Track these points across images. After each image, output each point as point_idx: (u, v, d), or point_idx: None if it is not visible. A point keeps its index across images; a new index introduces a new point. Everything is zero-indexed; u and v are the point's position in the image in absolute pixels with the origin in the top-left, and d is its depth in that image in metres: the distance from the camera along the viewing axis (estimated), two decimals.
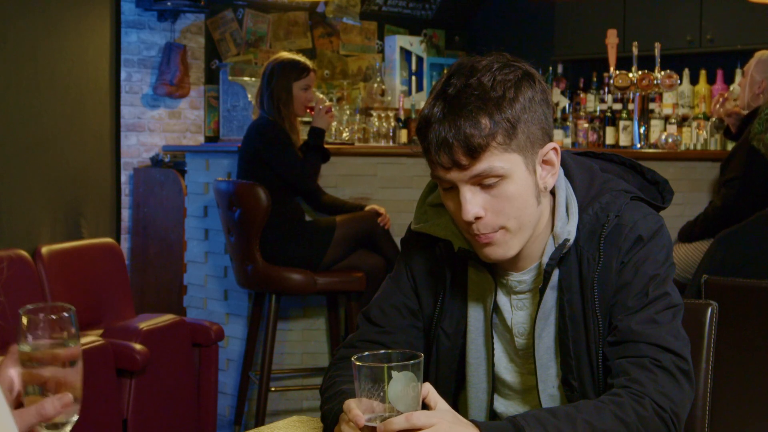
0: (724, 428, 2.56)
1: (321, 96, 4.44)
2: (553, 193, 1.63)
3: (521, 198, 1.53)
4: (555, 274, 1.61)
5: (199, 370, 4.03)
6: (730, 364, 2.53)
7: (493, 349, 1.67)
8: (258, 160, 4.12)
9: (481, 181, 1.51)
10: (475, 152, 1.48)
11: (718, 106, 4.70)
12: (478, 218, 1.52)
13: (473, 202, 1.51)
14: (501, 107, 1.49)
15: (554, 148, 1.58)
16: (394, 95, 6.69)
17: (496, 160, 1.50)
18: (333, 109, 4.32)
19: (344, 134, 5.36)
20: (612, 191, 1.62)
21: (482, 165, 1.49)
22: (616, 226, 1.59)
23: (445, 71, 1.57)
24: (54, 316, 1.21)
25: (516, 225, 1.54)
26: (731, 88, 4.63)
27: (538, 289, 1.62)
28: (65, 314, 1.22)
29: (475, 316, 1.68)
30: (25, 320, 1.21)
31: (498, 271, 1.66)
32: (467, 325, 1.69)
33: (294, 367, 4.45)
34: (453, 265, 1.68)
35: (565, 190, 1.62)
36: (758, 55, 4.41)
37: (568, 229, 1.59)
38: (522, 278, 1.64)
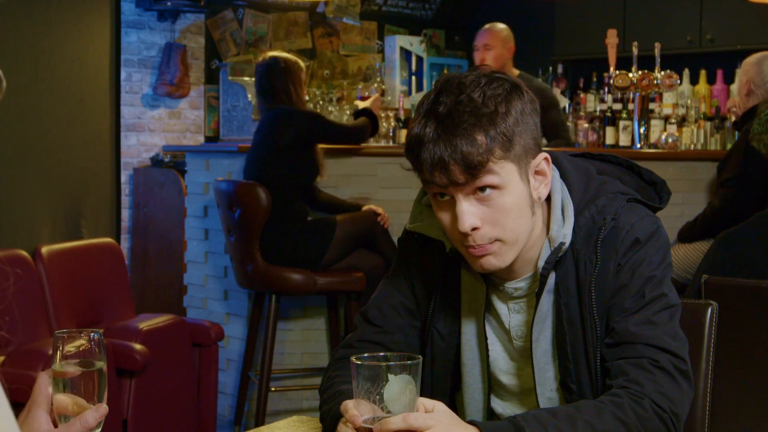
0: (724, 428, 2.56)
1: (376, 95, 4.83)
2: (548, 196, 1.62)
3: (517, 209, 1.53)
4: (551, 278, 1.61)
5: (199, 370, 4.03)
6: (730, 364, 2.53)
7: (487, 349, 1.68)
8: (294, 147, 4.08)
9: (478, 193, 1.51)
10: (474, 169, 1.48)
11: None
12: (474, 229, 1.52)
13: (470, 213, 1.51)
14: (495, 122, 1.49)
15: (545, 158, 1.58)
16: (394, 95, 6.70)
17: (493, 172, 1.49)
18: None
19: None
20: (608, 194, 1.62)
21: (479, 178, 1.49)
22: (613, 228, 1.59)
23: (429, 91, 1.56)
24: (84, 340, 1.40)
25: (511, 237, 1.54)
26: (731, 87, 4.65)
27: (534, 293, 1.62)
28: (94, 335, 1.40)
29: (469, 317, 1.68)
30: (57, 342, 1.40)
31: (493, 280, 1.66)
32: (461, 326, 1.69)
33: (294, 367, 4.45)
34: (446, 265, 1.68)
35: (561, 193, 1.62)
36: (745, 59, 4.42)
37: (564, 232, 1.59)
38: (518, 285, 1.64)
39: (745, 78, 4.32)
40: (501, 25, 5.24)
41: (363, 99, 4.74)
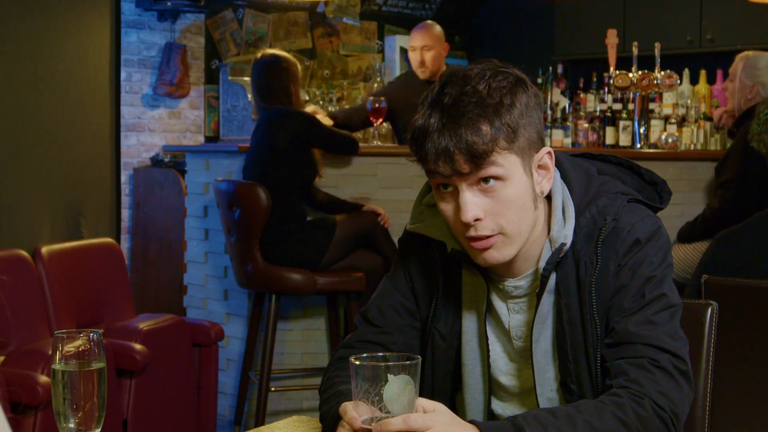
0: (724, 428, 2.56)
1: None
2: (549, 196, 1.62)
3: (519, 201, 1.54)
4: (552, 278, 1.60)
5: (199, 370, 4.03)
6: (730, 364, 2.53)
7: (488, 350, 1.67)
8: (291, 148, 4.08)
9: (482, 184, 1.51)
10: (478, 158, 1.48)
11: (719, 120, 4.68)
12: (477, 220, 1.52)
13: (473, 203, 1.51)
14: (500, 113, 1.49)
15: (549, 152, 1.58)
16: None
17: (497, 163, 1.50)
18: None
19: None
20: (609, 194, 1.62)
21: (484, 169, 1.49)
22: (614, 229, 1.59)
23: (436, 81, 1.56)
24: (83, 340, 1.43)
25: (513, 229, 1.54)
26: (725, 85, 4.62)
27: (535, 294, 1.61)
28: (94, 335, 1.43)
29: (470, 317, 1.68)
30: (57, 342, 1.41)
31: (494, 277, 1.65)
32: (462, 327, 1.68)
33: (294, 367, 4.45)
34: (447, 266, 1.68)
35: (561, 194, 1.62)
36: (743, 57, 4.36)
37: (565, 233, 1.59)
38: (518, 284, 1.64)
39: (750, 82, 4.28)
40: (435, 24, 5.22)
41: (373, 110, 4.67)
